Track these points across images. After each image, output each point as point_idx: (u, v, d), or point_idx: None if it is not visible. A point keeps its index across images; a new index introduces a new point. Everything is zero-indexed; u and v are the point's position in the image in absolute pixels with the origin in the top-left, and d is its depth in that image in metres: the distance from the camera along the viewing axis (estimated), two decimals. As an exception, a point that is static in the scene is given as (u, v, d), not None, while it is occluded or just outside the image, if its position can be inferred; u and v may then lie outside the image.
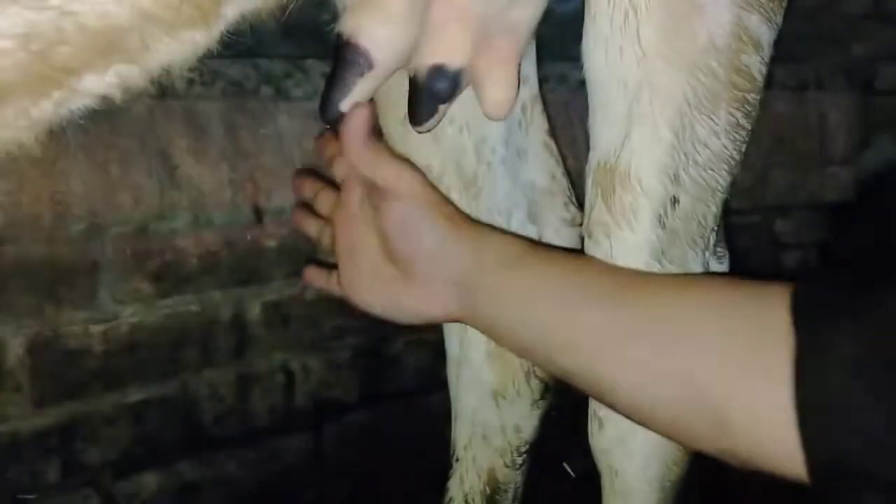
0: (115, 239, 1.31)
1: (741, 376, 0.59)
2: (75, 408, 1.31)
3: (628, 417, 0.69)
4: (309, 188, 0.91)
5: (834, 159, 2.20)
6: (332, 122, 0.76)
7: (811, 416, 0.56)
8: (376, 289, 0.80)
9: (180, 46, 0.58)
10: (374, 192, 0.78)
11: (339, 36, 0.72)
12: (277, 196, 1.43)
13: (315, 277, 0.91)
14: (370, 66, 0.71)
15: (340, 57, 0.72)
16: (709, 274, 0.82)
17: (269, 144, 1.44)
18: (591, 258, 0.80)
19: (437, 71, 0.69)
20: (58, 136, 1.27)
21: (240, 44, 1.47)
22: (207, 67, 1.39)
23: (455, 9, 0.69)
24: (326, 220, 0.88)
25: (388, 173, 0.76)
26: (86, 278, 1.29)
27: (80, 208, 1.27)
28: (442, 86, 0.69)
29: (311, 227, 0.91)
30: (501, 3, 0.71)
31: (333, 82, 0.73)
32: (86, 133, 1.29)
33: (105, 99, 0.57)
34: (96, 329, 1.31)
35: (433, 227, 0.75)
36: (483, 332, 0.76)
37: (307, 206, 0.94)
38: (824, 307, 0.58)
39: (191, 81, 1.38)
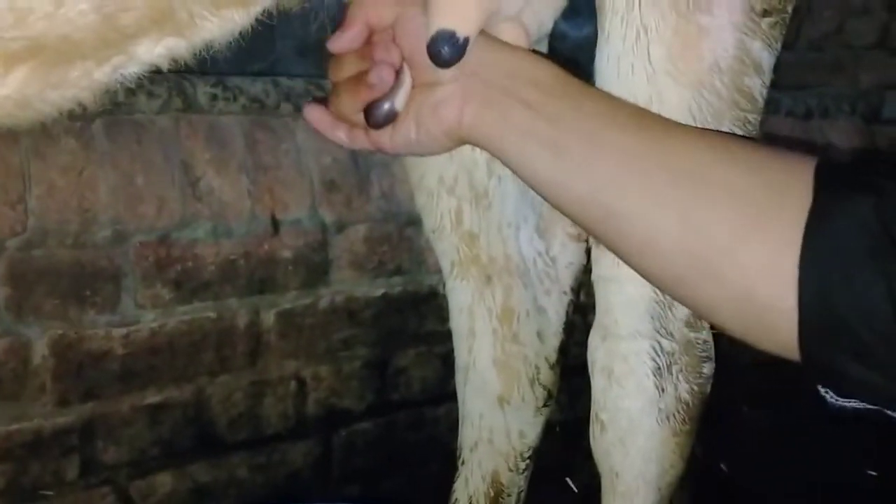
0: (138, 246, 1.35)
1: (749, 222, 0.59)
2: (95, 408, 1.35)
3: (626, 257, 0.68)
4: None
5: (838, 186, 2.22)
6: (380, 125, 0.73)
7: (815, 267, 0.56)
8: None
9: (221, 24, 0.63)
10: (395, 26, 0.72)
11: None
12: (294, 208, 1.47)
13: (322, 118, 0.77)
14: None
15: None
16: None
17: (287, 159, 1.48)
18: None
19: (446, 36, 0.68)
20: (87, 145, 1.32)
21: (261, 62, 1.52)
22: (230, 83, 1.44)
23: None
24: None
25: (389, 2, 0.71)
26: (109, 283, 1.34)
27: (106, 216, 1.32)
28: (447, 50, 0.68)
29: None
30: (517, 1, 0.76)
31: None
32: (113, 143, 1.34)
33: (153, 66, 0.62)
34: (118, 332, 1.35)
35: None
36: (492, 146, 0.71)
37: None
38: (847, 181, 0.59)
39: (214, 97, 1.43)
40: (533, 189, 0.72)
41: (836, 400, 0.59)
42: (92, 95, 0.62)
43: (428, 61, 0.69)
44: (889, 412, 0.58)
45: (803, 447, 1.59)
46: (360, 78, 0.73)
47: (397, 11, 0.72)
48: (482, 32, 0.72)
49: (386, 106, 0.72)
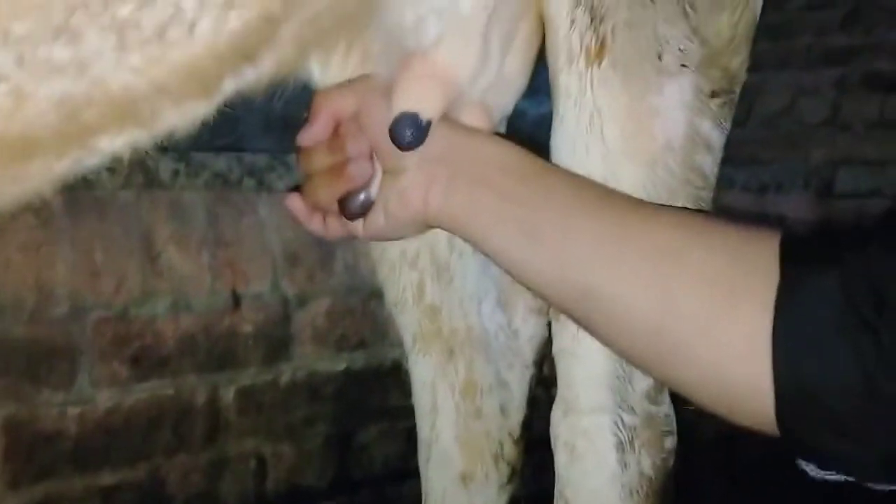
0: (96, 323, 1.33)
1: (723, 302, 0.60)
2: (48, 489, 1.31)
3: (602, 337, 0.68)
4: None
5: (794, 259, 2.26)
6: (357, 215, 0.73)
7: (787, 344, 0.56)
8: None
9: (183, 115, 0.63)
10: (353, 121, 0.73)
11: None
12: (256, 282, 1.46)
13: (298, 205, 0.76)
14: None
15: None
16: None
17: (249, 233, 1.48)
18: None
19: (409, 118, 0.69)
20: (46, 221, 1.31)
21: (225, 137, 1.53)
22: (193, 159, 1.44)
23: (436, 68, 0.73)
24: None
25: (351, 92, 0.72)
26: (65, 361, 1.32)
27: (63, 292, 1.31)
28: (409, 133, 0.69)
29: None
30: (479, 83, 0.77)
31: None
32: (73, 219, 1.33)
33: (113, 158, 0.62)
34: (73, 411, 1.32)
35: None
36: (461, 230, 0.71)
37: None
38: (812, 254, 0.59)
39: (176, 172, 1.43)
40: (504, 270, 0.73)
41: (817, 473, 0.59)
42: (52, 187, 0.61)
43: (393, 147, 0.70)
44: (868, 485, 0.58)
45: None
46: (333, 169, 0.74)
47: (359, 100, 0.73)
48: (445, 117, 0.72)
49: (362, 196, 0.73)
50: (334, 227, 0.75)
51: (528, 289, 0.72)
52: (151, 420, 1.40)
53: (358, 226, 0.74)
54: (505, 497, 1.12)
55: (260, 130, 1.59)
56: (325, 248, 1.54)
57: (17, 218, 1.28)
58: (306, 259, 1.51)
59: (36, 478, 1.30)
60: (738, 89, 0.85)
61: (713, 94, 0.81)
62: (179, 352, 1.41)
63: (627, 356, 0.70)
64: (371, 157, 0.73)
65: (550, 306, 0.84)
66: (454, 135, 0.72)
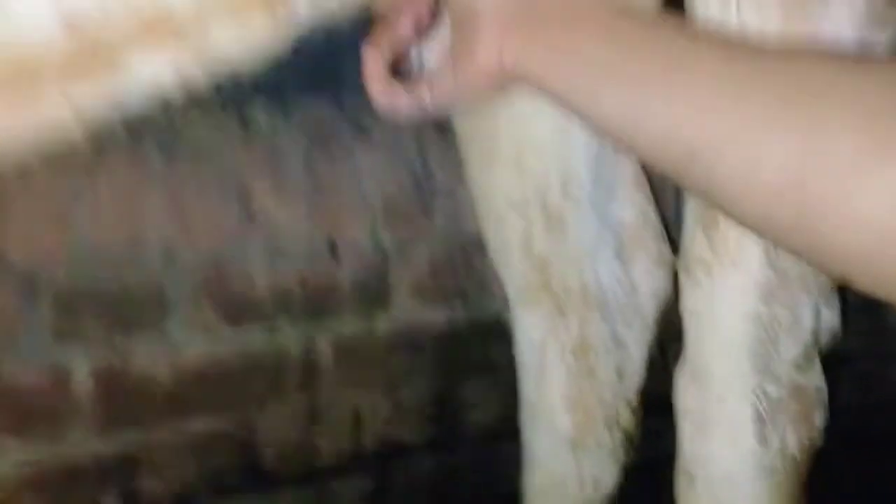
0: (188, 270, 1.30)
1: (884, 143, 0.49)
2: (139, 437, 1.30)
3: (722, 202, 0.57)
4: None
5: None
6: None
7: None
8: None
9: (244, 35, 0.54)
10: None
11: None
12: (353, 231, 1.41)
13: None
14: None
15: None
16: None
17: (347, 180, 1.43)
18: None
19: None
20: (138, 165, 1.28)
21: (322, 79, 1.47)
22: (289, 102, 1.39)
23: None
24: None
25: None
26: (156, 308, 1.29)
27: (155, 236, 1.28)
28: None
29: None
30: None
31: None
32: (167, 163, 1.30)
33: (161, 89, 0.54)
34: (163, 359, 1.30)
35: None
36: (545, 87, 0.61)
37: None
38: None
39: (271, 116, 1.38)
40: (598, 132, 0.62)
41: None
42: (83, 124, 0.53)
43: None
44: None
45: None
46: (395, 10, 0.65)
47: None
48: None
49: (413, 57, 0.64)
50: (400, 96, 0.65)
51: (630, 151, 0.60)
52: (245, 369, 1.36)
53: (425, 91, 0.64)
54: (617, 467, 1.04)
55: (357, 72, 1.53)
56: (425, 196, 1.47)
57: (109, 159, 1.26)
58: (406, 207, 1.45)
59: (127, 423, 1.28)
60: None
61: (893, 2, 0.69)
62: (274, 301, 1.36)
63: (756, 224, 0.57)
64: (419, 13, 0.64)
65: (669, 176, 0.72)
66: None
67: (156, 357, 1.29)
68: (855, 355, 1.57)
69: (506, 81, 0.62)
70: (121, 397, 1.27)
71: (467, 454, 1.56)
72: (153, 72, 0.53)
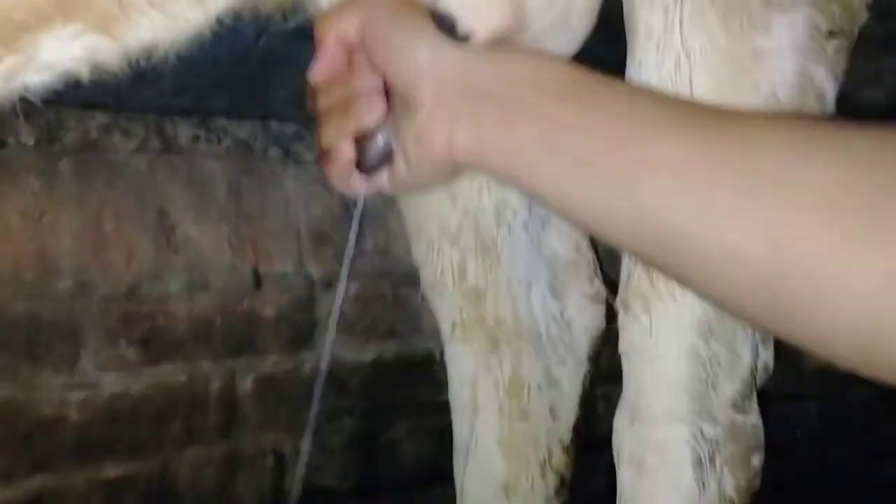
0: (102, 300, 1.24)
1: (859, 230, 0.47)
2: (45, 483, 1.21)
3: (699, 289, 0.55)
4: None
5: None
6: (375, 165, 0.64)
7: None
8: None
9: (167, 21, 0.49)
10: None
11: None
12: (279, 261, 1.37)
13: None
14: None
15: None
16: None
17: (273, 207, 1.39)
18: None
19: (442, 19, 0.61)
20: (51, 185, 1.22)
21: (251, 107, 1.43)
22: (215, 125, 1.35)
23: None
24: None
25: (355, 8, 0.62)
26: (68, 341, 1.22)
27: (68, 264, 1.21)
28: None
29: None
30: (542, 20, 0.66)
31: None
32: (81, 184, 1.24)
33: (68, 74, 0.48)
34: (75, 396, 1.22)
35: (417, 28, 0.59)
36: (500, 170, 0.59)
37: None
38: None
39: (196, 138, 1.34)
40: (563, 218, 0.59)
41: None
42: None
43: (401, 74, 0.58)
44: None
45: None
46: (341, 107, 0.62)
47: (360, 17, 0.60)
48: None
49: (379, 141, 0.61)
50: (359, 183, 0.64)
51: (599, 237, 0.57)
52: (161, 409, 1.30)
53: (383, 178, 0.62)
54: (551, 511, 1.00)
55: (287, 100, 1.50)
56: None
57: (19, 180, 1.19)
58: (334, 237, 1.42)
59: (32, 469, 1.20)
60: (857, 32, 0.72)
61: (831, 35, 0.68)
62: (194, 335, 1.31)
63: (732, 310, 0.55)
64: (385, 92, 0.60)
65: (628, 253, 0.69)
66: (475, 54, 0.59)
67: (65, 394, 1.22)
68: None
69: (455, 170, 0.61)
70: (26, 438, 1.20)
71: (395, 499, 1.51)
72: (63, 58, 0.48)
